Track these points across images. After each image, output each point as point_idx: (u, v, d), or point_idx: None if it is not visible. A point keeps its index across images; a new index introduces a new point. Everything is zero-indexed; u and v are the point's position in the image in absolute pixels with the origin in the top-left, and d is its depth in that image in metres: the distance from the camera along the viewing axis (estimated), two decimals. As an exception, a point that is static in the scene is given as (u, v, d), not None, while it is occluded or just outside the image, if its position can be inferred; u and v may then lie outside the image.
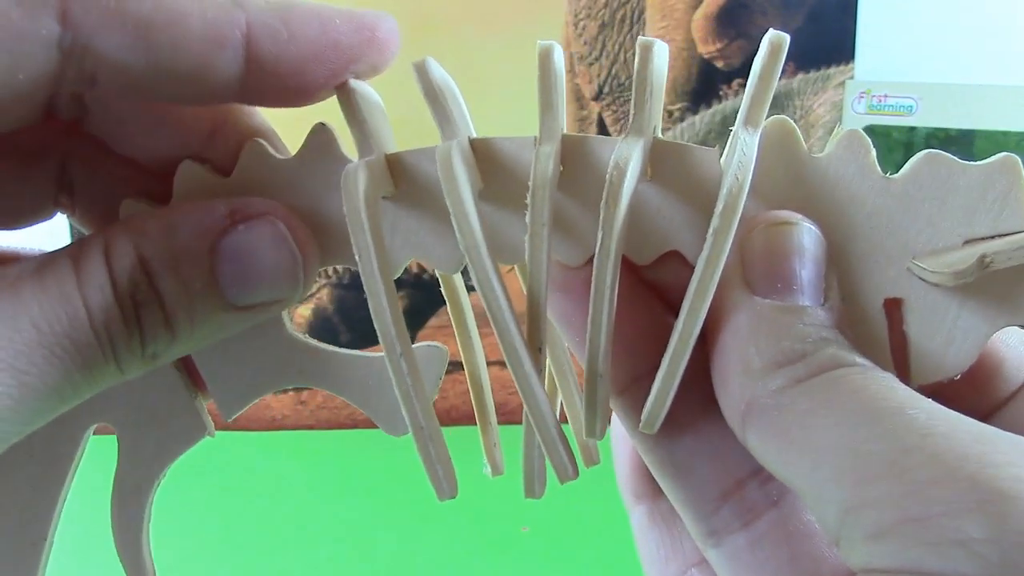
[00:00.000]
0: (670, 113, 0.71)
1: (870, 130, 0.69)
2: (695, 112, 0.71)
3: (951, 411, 0.17)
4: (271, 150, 0.23)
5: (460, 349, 0.25)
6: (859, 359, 0.19)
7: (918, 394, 0.18)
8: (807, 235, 0.21)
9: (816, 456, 0.18)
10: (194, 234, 0.21)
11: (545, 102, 0.22)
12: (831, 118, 0.70)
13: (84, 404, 0.23)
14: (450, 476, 0.22)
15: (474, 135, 0.22)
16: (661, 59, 0.21)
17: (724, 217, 0.20)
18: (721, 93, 0.70)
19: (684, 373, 0.21)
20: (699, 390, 0.22)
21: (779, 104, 0.70)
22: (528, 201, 0.21)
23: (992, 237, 0.21)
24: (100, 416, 0.24)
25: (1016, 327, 0.22)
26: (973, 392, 0.22)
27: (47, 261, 0.20)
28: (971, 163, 0.21)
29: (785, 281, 0.20)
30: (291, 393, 0.76)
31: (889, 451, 0.17)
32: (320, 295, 0.77)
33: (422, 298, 0.72)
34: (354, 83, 0.22)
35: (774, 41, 0.21)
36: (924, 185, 0.21)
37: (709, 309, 0.21)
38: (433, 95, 0.22)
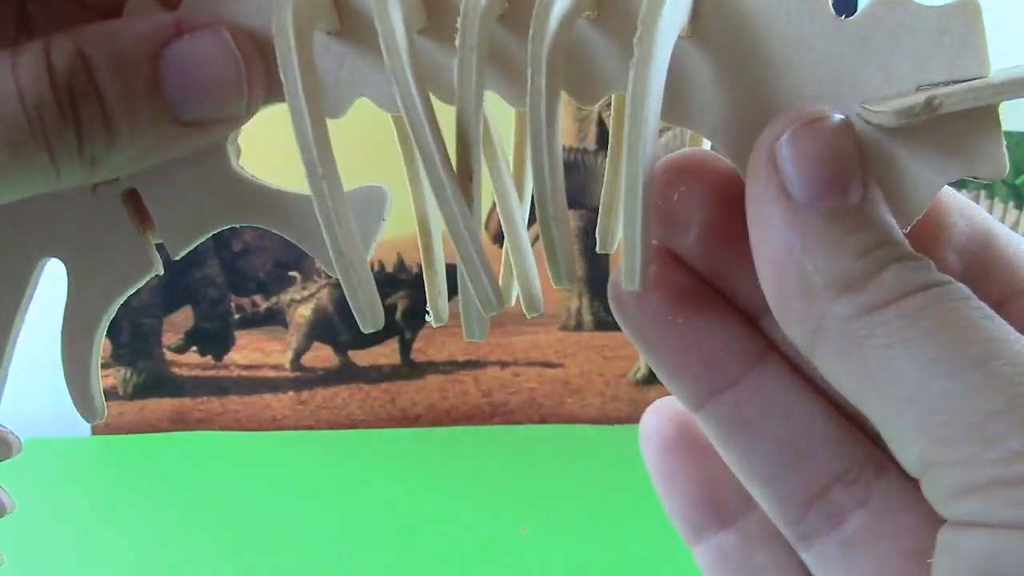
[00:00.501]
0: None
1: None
2: (695, 112, 0.71)
3: None
4: None
5: (411, 196, 0.24)
6: (927, 274, 0.18)
7: (1001, 326, 0.18)
8: (837, 128, 0.20)
9: (897, 402, 0.18)
10: (138, 39, 0.21)
11: None
12: (831, 118, 0.70)
13: (33, 233, 0.23)
14: (373, 305, 0.22)
15: None
16: None
17: (641, 45, 0.19)
18: (721, 93, 0.70)
19: (751, 373, 0.21)
20: (774, 394, 0.21)
21: (779, 104, 0.70)
22: (458, 26, 0.20)
23: (947, 83, 0.20)
24: (50, 247, 0.24)
25: (969, 205, 0.21)
26: (986, 280, 0.21)
27: None
28: (929, 6, 0.20)
29: (825, 185, 0.19)
30: (291, 393, 0.76)
31: (975, 412, 0.17)
32: (320, 295, 0.77)
33: (422, 298, 0.72)
34: None
35: None
36: (879, 28, 0.20)
37: (752, 229, 0.20)
38: None
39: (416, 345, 0.75)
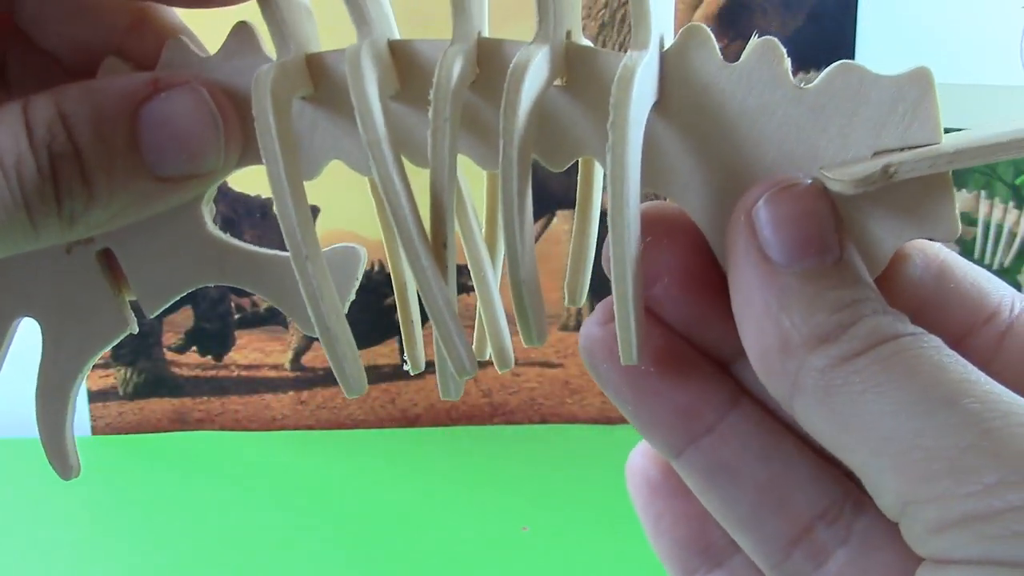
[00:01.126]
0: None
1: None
2: (695, 112, 0.71)
3: (1003, 393, 0.18)
4: (193, 47, 0.23)
5: (387, 254, 0.25)
6: (900, 325, 0.19)
7: (970, 370, 0.18)
8: (810, 193, 0.20)
9: (873, 445, 0.18)
10: (116, 97, 0.21)
11: (457, 5, 0.22)
12: (831, 118, 0.70)
13: (7, 294, 0.23)
14: (357, 373, 0.22)
15: (395, 37, 0.23)
16: None
17: (615, 129, 0.20)
18: (721, 93, 0.70)
19: (727, 421, 0.21)
20: (750, 438, 0.22)
21: (779, 104, 0.70)
22: (431, 97, 0.21)
23: (901, 149, 0.20)
24: (25, 306, 0.25)
25: (924, 240, 0.21)
26: (970, 332, 0.22)
27: None
28: (884, 74, 0.21)
29: (802, 246, 0.20)
30: (291, 393, 0.76)
31: (948, 448, 0.17)
32: (320, 295, 0.77)
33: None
34: None
35: None
36: (836, 95, 0.21)
37: (733, 292, 0.20)
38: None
39: (416, 345, 0.75)
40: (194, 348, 0.76)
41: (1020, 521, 0.16)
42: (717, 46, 0.21)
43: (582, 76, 0.22)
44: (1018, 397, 0.18)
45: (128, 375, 0.76)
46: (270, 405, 0.76)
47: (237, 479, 0.68)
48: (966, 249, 0.69)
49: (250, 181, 0.72)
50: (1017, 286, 0.71)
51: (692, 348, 0.23)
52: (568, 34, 0.22)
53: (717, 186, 0.22)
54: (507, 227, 0.21)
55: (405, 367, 0.26)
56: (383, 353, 0.75)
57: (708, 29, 0.21)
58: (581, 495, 0.64)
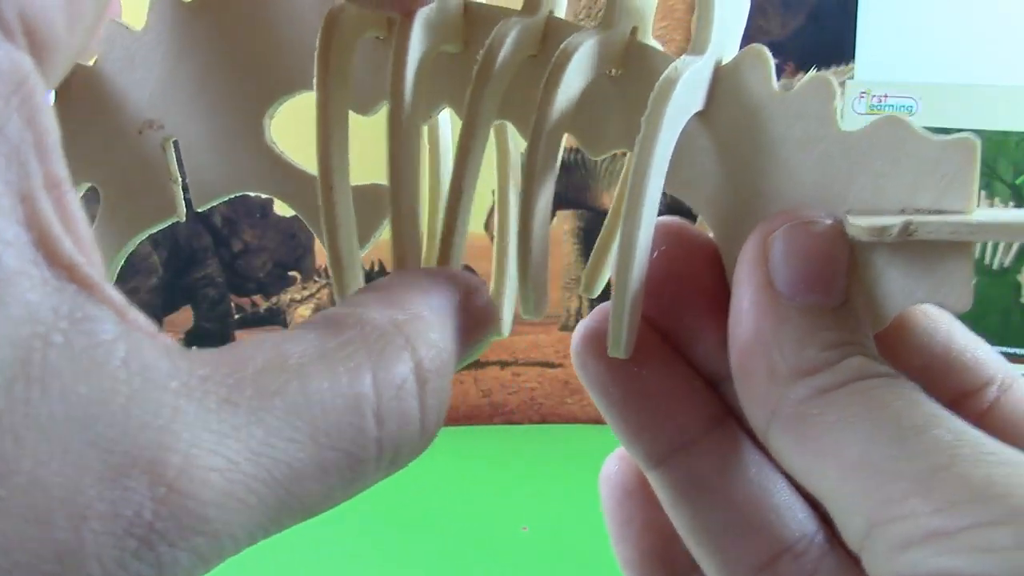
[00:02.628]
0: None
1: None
2: (695, 112, 0.71)
3: (971, 428, 0.18)
4: None
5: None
6: (883, 368, 0.19)
7: (940, 408, 0.18)
8: (829, 235, 0.20)
9: (843, 471, 0.18)
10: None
11: None
12: (831, 118, 0.70)
13: (82, 160, 0.25)
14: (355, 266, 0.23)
15: None
16: None
17: (649, 123, 0.20)
18: (721, 93, 0.70)
19: (702, 441, 0.22)
20: (730, 459, 0.22)
21: (779, 104, 0.70)
22: (478, 58, 0.21)
23: (931, 211, 0.21)
24: (92, 174, 0.26)
25: (932, 305, 0.21)
26: (963, 397, 0.22)
27: (334, 345, 0.17)
28: (931, 135, 0.21)
29: (808, 283, 0.20)
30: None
31: (917, 471, 0.17)
32: (320, 295, 0.77)
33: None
34: None
35: None
36: (879, 145, 0.21)
37: (732, 309, 0.21)
38: None
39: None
40: (194, 348, 0.76)
41: (983, 536, 0.16)
42: (774, 71, 0.21)
43: (636, 71, 0.22)
44: (991, 438, 0.18)
45: (128, 375, 0.76)
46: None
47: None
48: (966, 249, 0.69)
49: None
50: (1017, 286, 0.71)
51: (684, 360, 0.23)
52: (634, 31, 0.22)
53: (742, 206, 0.22)
54: (524, 198, 0.21)
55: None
56: (383, 353, 0.75)
57: (768, 52, 0.22)
58: (581, 495, 0.64)
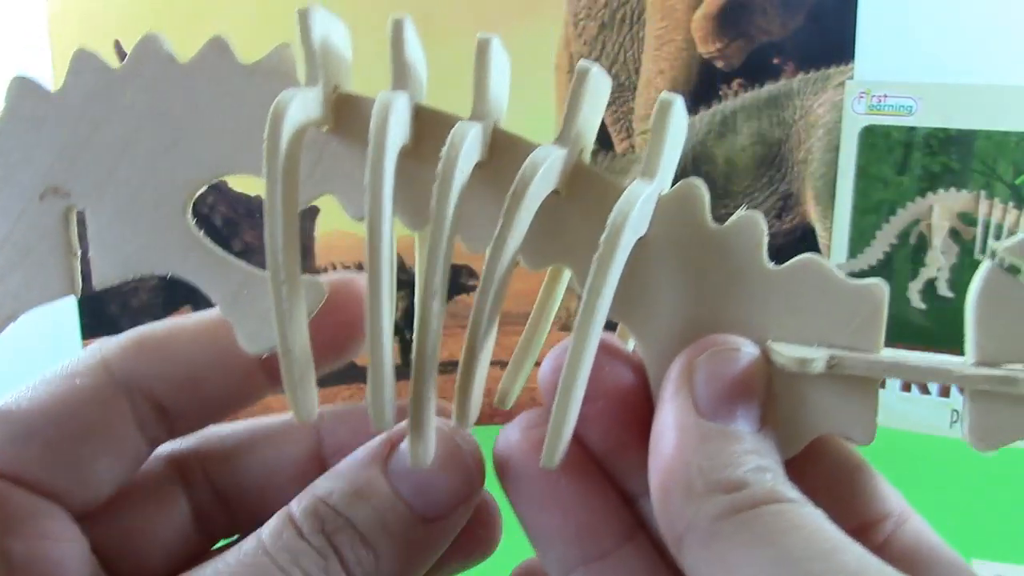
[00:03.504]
0: (670, 113, 0.71)
1: (869, 130, 0.69)
2: (695, 112, 0.71)
3: (873, 557, 0.19)
4: (167, 49, 0.24)
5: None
6: (793, 494, 0.20)
7: (845, 536, 0.19)
8: (752, 363, 0.22)
9: None
10: (364, 464, 0.24)
11: (478, 86, 0.23)
12: (831, 118, 0.70)
13: None
14: (309, 399, 0.23)
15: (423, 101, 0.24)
16: (600, 90, 0.23)
17: (607, 243, 0.21)
18: (721, 93, 0.70)
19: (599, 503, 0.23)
20: (630, 571, 0.23)
21: (779, 104, 0.70)
22: (442, 157, 0.21)
23: (844, 348, 0.22)
24: None
25: (840, 437, 0.23)
26: (861, 531, 0.23)
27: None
28: (846, 280, 0.22)
29: (730, 407, 0.21)
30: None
31: None
32: (320, 295, 0.77)
33: (422, 298, 0.72)
34: (315, 9, 0.23)
35: (662, 102, 0.23)
36: (801, 285, 0.23)
37: (654, 427, 0.22)
38: (399, 47, 0.23)
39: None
40: None
41: None
42: (708, 205, 0.23)
43: (582, 189, 0.23)
44: (890, 566, 0.18)
45: (128, 375, 0.76)
46: (270, 405, 0.76)
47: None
48: (966, 249, 0.69)
49: (251, 182, 0.72)
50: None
51: (602, 473, 0.24)
52: (581, 152, 0.23)
53: (673, 329, 0.23)
54: (472, 326, 0.22)
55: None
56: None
57: (704, 187, 0.23)
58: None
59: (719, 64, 0.70)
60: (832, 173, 0.71)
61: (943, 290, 0.69)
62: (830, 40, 0.70)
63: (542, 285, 0.26)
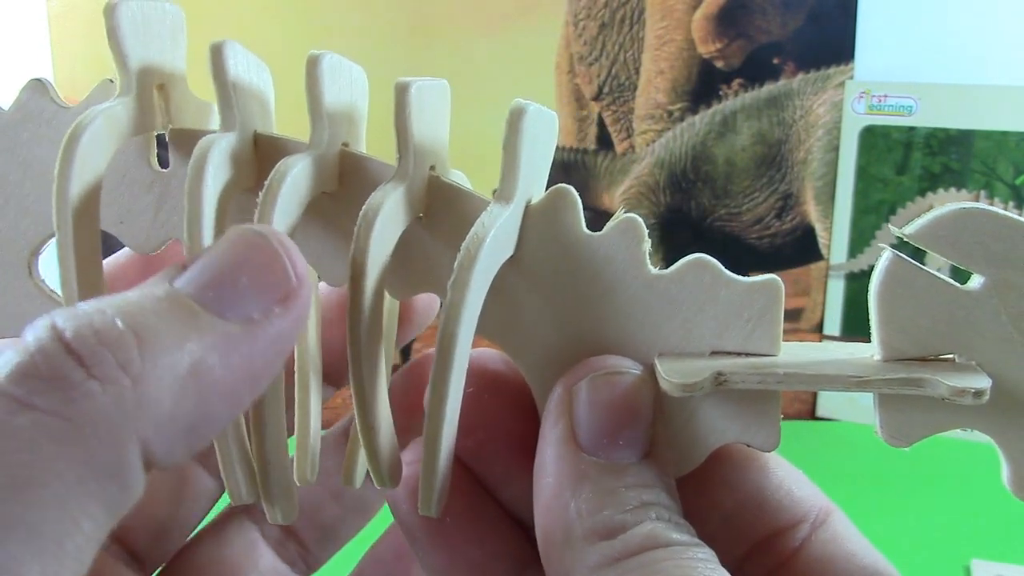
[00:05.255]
0: (670, 113, 0.71)
1: (869, 130, 0.69)
2: (695, 112, 0.71)
3: None
4: (54, 95, 0.23)
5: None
6: (676, 535, 0.19)
7: None
8: (636, 386, 0.20)
9: None
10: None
11: (313, 113, 0.21)
12: (831, 118, 0.70)
13: None
14: (289, 503, 0.21)
15: (272, 131, 0.22)
16: (431, 101, 0.21)
17: (459, 271, 0.19)
18: (721, 93, 0.70)
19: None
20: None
21: (779, 104, 0.70)
22: (259, 200, 0.20)
23: (739, 354, 0.21)
24: None
25: (742, 445, 0.22)
26: (777, 534, 0.22)
27: None
28: (737, 277, 0.21)
29: (610, 436, 0.20)
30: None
31: None
32: (320, 295, 0.77)
33: (422, 298, 0.72)
34: (230, 45, 0.21)
35: (512, 111, 0.20)
36: (686, 288, 0.21)
37: (536, 463, 0.20)
38: (222, 82, 0.21)
39: (416, 345, 0.75)
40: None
41: None
42: (582, 213, 0.21)
43: (440, 213, 0.21)
44: None
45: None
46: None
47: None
48: (966, 249, 0.69)
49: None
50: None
51: (495, 504, 0.23)
52: (432, 168, 0.21)
53: (554, 350, 0.21)
54: (354, 375, 0.20)
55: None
56: (383, 353, 0.75)
57: (575, 193, 0.21)
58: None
59: (719, 64, 0.70)
60: (832, 173, 0.70)
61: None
62: (830, 40, 0.70)
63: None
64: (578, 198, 0.21)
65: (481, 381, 0.22)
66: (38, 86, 0.23)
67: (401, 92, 0.20)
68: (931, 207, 0.21)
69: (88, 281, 0.20)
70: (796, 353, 0.21)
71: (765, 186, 0.72)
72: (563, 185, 0.21)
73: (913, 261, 0.20)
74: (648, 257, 0.21)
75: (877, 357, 0.21)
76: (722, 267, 0.21)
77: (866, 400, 0.21)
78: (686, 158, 0.71)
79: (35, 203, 0.23)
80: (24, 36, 0.70)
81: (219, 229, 0.20)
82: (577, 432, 0.20)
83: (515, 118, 0.20)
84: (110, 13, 0.21)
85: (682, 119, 0.71)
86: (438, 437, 0.20)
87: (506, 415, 0.22)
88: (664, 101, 0.71)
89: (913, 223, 0.20)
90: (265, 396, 0.20)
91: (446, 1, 0.69)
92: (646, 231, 0.21)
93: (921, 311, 0.20)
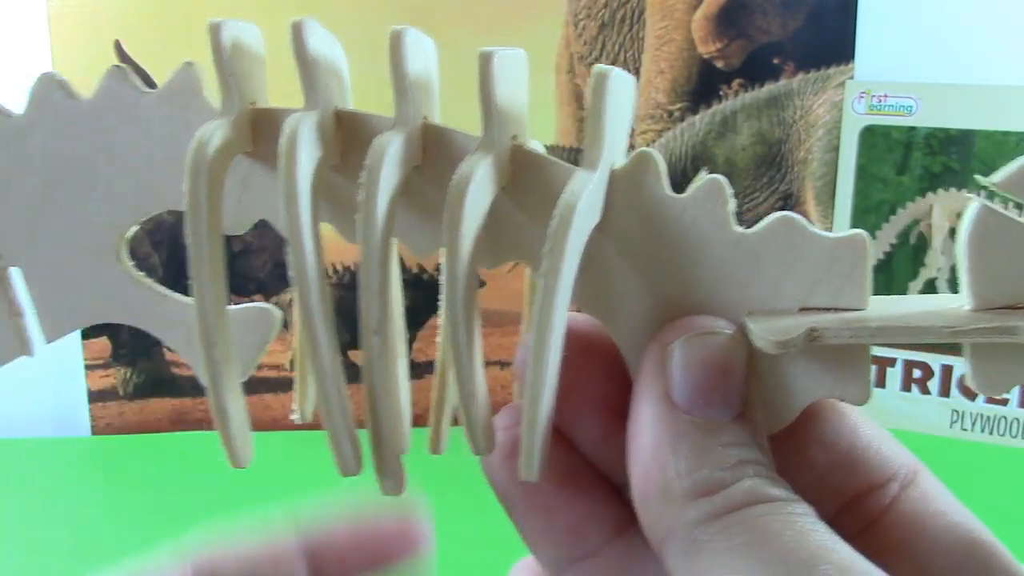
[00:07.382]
0: (670, 113, 0.71)
1: (869, 130, 0.69)
2: (695, 112, 0.71)
3: (859, 560, 0.18)
4: (134, 81, 0.23)
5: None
6: (776, 490, 0.19)
7: (833, 537, 0.18)
8: (728, 345, 0.20)
9: None
10: None
11: (398, 88, 0.21)
12: (831, 118, 0.70)
13: None
14: (244, 449, 0.22)
15: (345, 106, 0.22)
16: (511, 70, 0.21)
17: (552, 256, 0.19)
18: (721, 93, 0.70)
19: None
20: (632, 569, 0.22)
21: (779, 104, 0.70)
22: (362, 181, 0.20)
23: (828, 309, 0.21)
24: None
25: (835, 400, 0.22)
26: (868, 489, 0.22)
27: None
28: (824, 233, 0.21)
29: (706, 396, 0.20)
30: (291, 393, 0.76)
31: None
32: (320, 295, 0.77)
33: (421, 297, 0.72)
34: (227, 23, 0.21)
35: (596, 76, 0.20)
36: (774, 247, 0.21)
37: (631, 423, 0.20)
38: (304, 60, 0.21)
39: (416, 345, 0.75)
40: (194, 348, 0.76)
41: None
42: (666, 176, 0.21)
43: (525, 183, 0.22)
44: (879, 571, 0.18)
45: (128, 375, 0.76)
46: (270, 405, 0.76)
47: (237, 479, 0.68)
48: (966, 249, 0.69)
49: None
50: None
51: (587, 466, 0.23)
52: (514, 137, 0.21)
53: (644, 313, 0.22)
54: (453, 344, 0.20)
55: (293, 416, 0.26)
56: (383, 353, 0.75)
57: (659, 157, 0.21)
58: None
59: (719, 64, 0.70)
60: (832, 173, 0.71)
61: (943, 290, 0.69)
62: (830, 40, 0.70)
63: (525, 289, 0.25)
64: (662, 160, 0.21)
65: (575, 345, 0.22)
66: (119, 72, 0.23)
67: (485, 62, 0.20)
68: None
69: (219, 300, 0.21)
70: (886, 306, 0.21)
71: (765, 186, 0.72)
72: (646, 149, 0.21)
73: (1003, 210, 0.20)
74: (732, 217, 0.21)
75: (967, 307, 0.21)
76: (807, 223, 0.21)
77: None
78: (686, 158, 0.72)
79: (122, 188, 0.23)
80: (24, 36, 0.70)
81: (314, 208, 0.20)
82: (672, 391, 0.20)
83: (599, 84, 0.20)
84: (216, 29, 0.21)
85: (682, 119, 0.71)
86: (539, 402, 0.20)
87: (598, 377, 0.22)
88: (664, 101, 0.71)
89: (1000, 171, 0.20)
90: (374, 372, 0.21)
91: (446, 1, 0.69)
92: (731, 191, 0.21)
93: (1012, 260, 0.20)
